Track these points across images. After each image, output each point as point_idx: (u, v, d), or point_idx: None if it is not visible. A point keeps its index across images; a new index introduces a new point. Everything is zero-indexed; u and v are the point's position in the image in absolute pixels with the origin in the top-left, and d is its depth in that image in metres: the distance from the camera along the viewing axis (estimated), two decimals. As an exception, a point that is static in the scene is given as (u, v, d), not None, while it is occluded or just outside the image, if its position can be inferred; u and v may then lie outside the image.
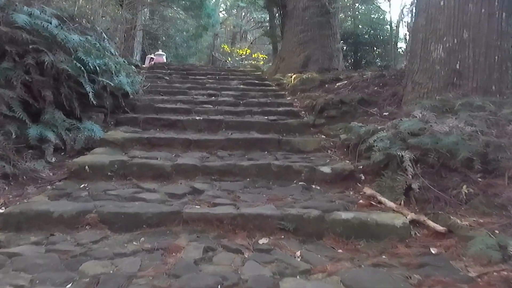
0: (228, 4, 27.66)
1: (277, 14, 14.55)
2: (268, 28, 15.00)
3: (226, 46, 21.66)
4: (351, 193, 3.68)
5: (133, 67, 7.61)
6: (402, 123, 3.78)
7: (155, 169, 3.79)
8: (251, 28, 25.16)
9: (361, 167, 4.11)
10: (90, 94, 4.79)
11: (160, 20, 19.63)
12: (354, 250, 2.64)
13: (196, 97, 6.93)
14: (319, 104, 6.01)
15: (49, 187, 3.55)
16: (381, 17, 15.85)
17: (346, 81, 7.36)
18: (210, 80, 8.28)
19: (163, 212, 2.84)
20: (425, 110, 4.10)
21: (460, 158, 3.26)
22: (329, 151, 4.78)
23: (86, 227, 2.75)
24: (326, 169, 3.88)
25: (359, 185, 3.85)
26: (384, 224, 2.77)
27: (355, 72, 8.63)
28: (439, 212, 3.04)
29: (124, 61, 7.75)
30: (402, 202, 3.26)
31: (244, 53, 19.95)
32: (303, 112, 6.48)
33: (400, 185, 3.36)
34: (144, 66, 10.04)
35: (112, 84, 5.44)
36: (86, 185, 3.56)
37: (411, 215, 2.95)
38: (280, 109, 6.38)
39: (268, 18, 16.30)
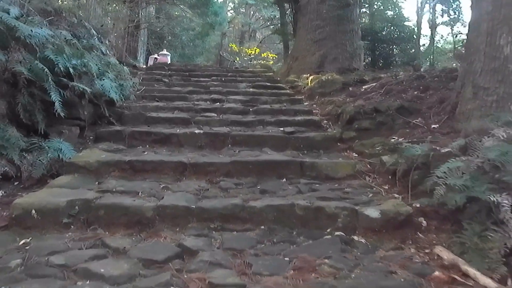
0: (236, 2, 26.48)
1: (288, 10, 13.34)
2: (279, 25, 13.79)
3: (234, 46, 20.50)
4: (412, 250, 2.49)
5: (126, 68, 6.49)
6: (489, 150, 2.56)
7: (130, 214, 2.63)
8: (260, 27, 23.94)
9: (418, 205, 2.92)
10: (57, 103, 3.65)
11: (166, 18, 18.53)
12: None
13: (197, 103, 5.77)
14: (347, 113, 4.81)
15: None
16: (398, 12, 14.55)
17: (374, 84, 6.15)
18: (215, 83, 7.12)
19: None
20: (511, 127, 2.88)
21: None
22: (367, 178, 3.58)
23: None
24: (373, 212, 2.69)
25: (420, 235, 2.65)
26: None
27: (382, 73, 7.41)
28: None
29: (117, 62, 6.66)
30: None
31: (253, 52, 18.77)
32: (325, 121, 5.29)
33: (496, 248, 2.17)
34: (143, 67, 8.94)
35: (90, 90, 4.30)
36: (28, 240, 2.42)
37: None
38: (298, 118, 5.18)
39: (278, 15, 15.06)
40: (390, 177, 3.43)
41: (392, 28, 13.60)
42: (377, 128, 4.54)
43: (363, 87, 6.20)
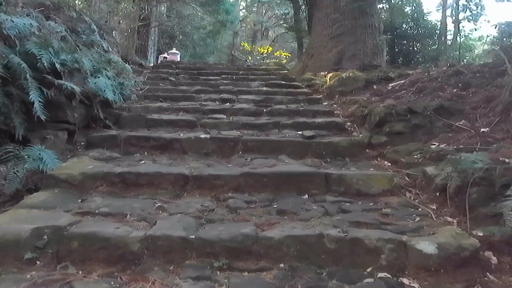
0: (249, 0, 25.85)
1: (303, 6, 12.68)
2: (293, 22, 13.11)
3: (246, 44, 19.87)
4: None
5: (128, 66, 5.92)
6: None
7: (111, 247, 2.02)
8: (273, 25, 23.26)
9: (481, 234, 2.25)
10: (36, 104, 3.08)
11: (177, 17, 17.99)
12: None
13: (205, 103, 5.15)
14: (376, 115, 4.13)
15: None
16: (418, 7, 13.72)
17: (402, 81, 5.45)
18: (225, 81, 6.49)
19: None
20: None
21: None
22: (408, 194, 2.91)
23: None
24: (427, 247, 2.02)
25: (490, 277, 1.98)
26: None
27: (407, 69, 6.69)
28: None
29: (119, 59, 6.11)
30: None
31: (266, 51, 18.10)
32: (349, 123, 4.62)
33: None
34: (150, 65, 8.37)
35: (81, 89, 3.72)
36: (-24, 284, 1.84)
37: None
38: (318, 120, 4.52)
39: (291, 12, 14.35)
40: (437, 194, 2.76)
41: (412, 23, 12.79)
42: (412, 132, 3.86)
43: (390, 85, 5.50)
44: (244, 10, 27.30)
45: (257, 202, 2.72)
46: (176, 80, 6.52)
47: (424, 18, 13.19)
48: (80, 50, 5.17)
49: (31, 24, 3.51)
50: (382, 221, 2.39)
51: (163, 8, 17.99)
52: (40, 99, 3.13)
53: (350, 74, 6.08)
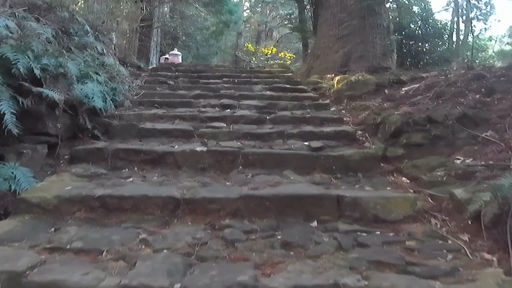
0: (253, 0, 25.44)
1: (308, 6, 12.24)
2: (297, 22, 12.68)
3: (250, 45, 19.46)
4: None
5: (123, 69, 5.55)
6: None
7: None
8: (277, 25, 22.83)
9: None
10: (7, 116, 2.69)
11: (180, 18, 17.62)
12: None
13: (204, 110, 4.75)
14: (391, 124, 3.71)
15: None
16: (426, 7, 13.23)
17: (416, 85, 5.02)
18: (226, 85, 6.10)
19: None
20: None
21: None
22: (433, 221, 2.49)
23: None
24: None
25: None
26: None
27: (419, 72, 6.27)
28: None
29: (114, 62, 5.74)
30: None
31: (270, 52, 17.69)
32: (359, 132, 4.20)
33: None
34: (148, 68, 7.99)
35: (64, 97, 3.33)
36: None
37: None
38: (327, 129, 4.10)
39: (296, 13, 13.90)
40: (469, 222, 2.33)
41: (421, 23, 12.32)
42: (433, 144, 3.44)
43: (403, 89, 5.08)
44: (248, 11, 26.90)
45: (258, 232, 2.31)
46: (175, 84, 6.14)
47: (433, 17, 12.72)
48: (72, 52, 4.85)
49: (6, 25, 3.13)
50: (408, 259, 1.97)
51: (166, 8, 17.67)
52: (13, 110, 2.75)
53: (360, 77, 5.66)
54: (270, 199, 2.55)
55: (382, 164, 3.41)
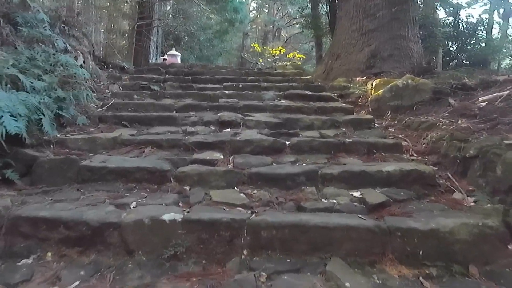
0: (260, 0, 23.80)
1: (322, -1, 10.59)
2: (310, 19, 11.04)
3: (256, 45, 17.81)
4: None
5: (84, 71, 3.95)
6: None
7: None
8: (286, 25, 21.16)
9: None
10: None
11: (182, 17, 16.04)
12: None
13: (192, 130, 3.16)
14: (507, 164, 2.07)
15: None
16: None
17: (500, 93, 3.37)
18: (227, 91, 4.49)
19: None
20: None
21: None
22: None
23: None
24: None
25: None
26: None
27: (490, 74, 4.63)
28: None
29: (72, 62, 4.17)
30: None
31: (278, 53, 16.03)
32: (434, 168, 2.56)
33: None
34: (133, 69, 6.40)
35: None
36: None
37: None
38: (385, 166, 2.44)
39: (306, 10, 12.17)
40: None
41: (448, 21, 10.63)
42: None
43: (480, 99, 3.43)
44: (254, 11, 25.25)
45: None
46: (160, 90, 4.54)
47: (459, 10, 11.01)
48: (15, 47, 3.40)
49: None
50: None
51: (168, 8, 16.15)
52: None
53: (409, 81, 4.02)
54: None
55: (509, 247, 1.78)
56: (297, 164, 2.59)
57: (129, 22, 13.06)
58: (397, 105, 3.98)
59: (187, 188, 2.22)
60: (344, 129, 3.36)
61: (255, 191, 2.20)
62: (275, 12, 22.63)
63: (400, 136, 3.30)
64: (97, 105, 3.81)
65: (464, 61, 9.79)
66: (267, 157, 2.69)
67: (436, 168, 2.58)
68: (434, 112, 3.59)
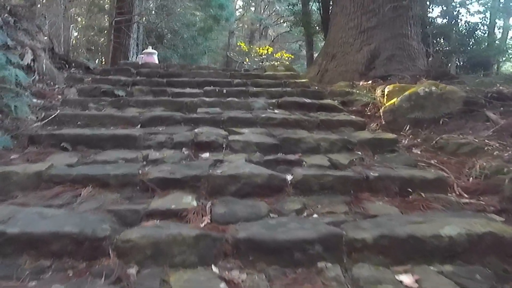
0: (246, -2, 22.86)
1: (314, -5, 9.76)
2: (301, 15, 10.19)
3: (243, 44, 16.92)
4: None
5: (18, 71, 3.02)
6: None
7: None
8: (273, 23, 20.27)
9: None
10: None
11: (165, 14, 15.00)
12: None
13: (155, 156, 2.26)
14: None
15: None
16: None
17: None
18: (207, 99, 3.59)
19: None
20: None
21: None
22: None
23: None
24: None
25: None
26: None
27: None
28: None
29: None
30: None
31: (265, 52, 15.17)
32: (501, 219, 1.75)
33: None
34: (99, 69, 5.42)
35: None
36: None
37: None
38: (446, 231, 1.60)
39: (294, 8, 11.28)
40: None
41: (447, 19, 9.93)
42: None
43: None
44: (241, 9, 24.27)
45: None
46: (124, 97, 3.62)
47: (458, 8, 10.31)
48: None
49: None
50: None
51: (150, 3, 15.12)
52: None
53: (433, 88, 3.20)
54: None
55: None
56: (305, 214, 1.73)
57: (108, 18, 11.99)
58: (418, 118, 3.17)
59: (133, 271, 1.33)
60: (359, 152, 2.52)
61: (244, 275, 1.33)
62: (262, 10, 21.73)
63: (433, 162, 2.48)
64: (37, 118, 2.88)
65: (462, 63, 9.11)
66: (261, 202, 1.83)
67: (504, 220, 1.77)
68: (469, 129, 2.80)
